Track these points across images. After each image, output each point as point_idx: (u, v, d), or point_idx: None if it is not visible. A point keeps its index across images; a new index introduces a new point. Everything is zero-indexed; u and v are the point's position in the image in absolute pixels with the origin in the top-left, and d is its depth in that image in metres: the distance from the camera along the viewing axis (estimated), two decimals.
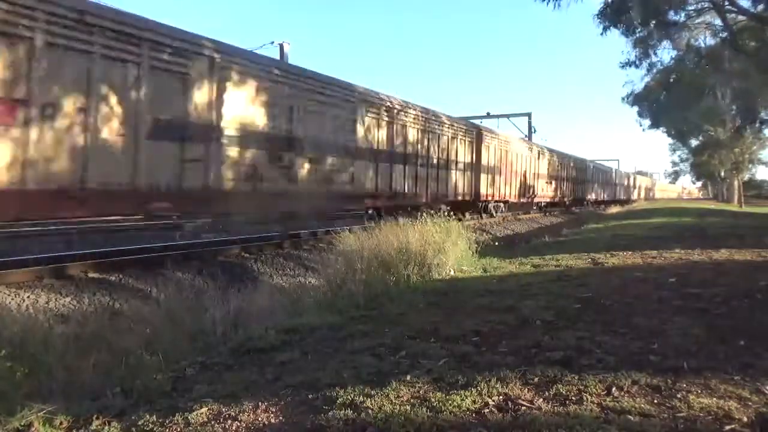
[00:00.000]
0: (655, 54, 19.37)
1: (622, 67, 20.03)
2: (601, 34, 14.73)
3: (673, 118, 33.38)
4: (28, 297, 5.91)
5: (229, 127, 8.69)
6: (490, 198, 19.50)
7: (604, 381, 2.83)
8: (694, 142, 50.01)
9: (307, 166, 10.43)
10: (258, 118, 9.31)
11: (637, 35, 16.53)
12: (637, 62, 19.23)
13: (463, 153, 17.35)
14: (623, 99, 29.82)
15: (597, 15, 14.57)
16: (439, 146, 15.67)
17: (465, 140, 17.51)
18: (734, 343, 3.49)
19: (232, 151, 8.78)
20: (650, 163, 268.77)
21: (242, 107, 8.97)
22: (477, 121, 24.09)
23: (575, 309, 4.56)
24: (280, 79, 9.77)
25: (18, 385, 2.82)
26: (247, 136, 9.02)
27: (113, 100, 6.99)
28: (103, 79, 6.84)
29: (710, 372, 2.94)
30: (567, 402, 2.58)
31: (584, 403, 2.56)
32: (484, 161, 18.57)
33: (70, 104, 6.52)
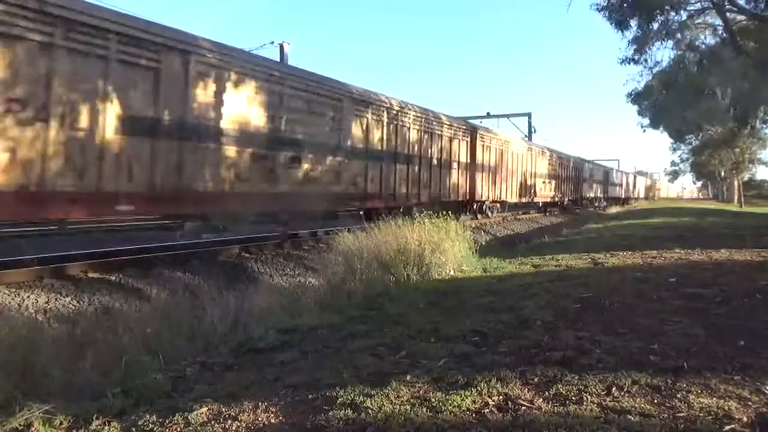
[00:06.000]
0: (651, 54, 19.25)
1: (621, 63, 19.86)
2: (620, 31, 14.26)
3: (672, 118, 33.32)
4: (28, 297, 5.91)
5: None
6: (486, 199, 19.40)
7: (604, 381, 2.83)
8: (694, 142, 49.92)
9: None
10: None
11: (635, 33, 16.39)
12: (636, 57, 19.04)
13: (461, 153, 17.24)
14: (627, 96, 29.70)
15: (600, 8, 14.24)
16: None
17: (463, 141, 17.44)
18: (734, 343, 3.49)
19: None
20: (650, 163, 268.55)
21: None
22: (477, 121, 24.01)
23: (575, 309, 4.56)
24: None
25: (16, 385, 2.82)
26: None
27: None
28: None
29: (710, 372, 2.94)
30: (567, 402, 2.58)
31: (584, 403, 2.56)
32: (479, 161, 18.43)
33: None
